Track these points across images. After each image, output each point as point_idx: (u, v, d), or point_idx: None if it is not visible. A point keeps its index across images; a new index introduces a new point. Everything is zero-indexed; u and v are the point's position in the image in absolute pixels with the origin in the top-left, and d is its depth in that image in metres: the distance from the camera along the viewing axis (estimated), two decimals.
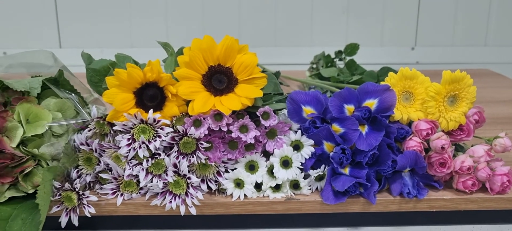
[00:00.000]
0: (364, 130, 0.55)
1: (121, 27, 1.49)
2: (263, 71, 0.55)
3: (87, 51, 0.66)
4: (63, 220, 0.53)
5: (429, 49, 1.55)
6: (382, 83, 0.58)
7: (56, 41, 1.49)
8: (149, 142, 0.52)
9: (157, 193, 0.54)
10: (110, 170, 0.55)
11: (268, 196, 0.56)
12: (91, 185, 0.56)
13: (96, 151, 0.55)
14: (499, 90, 1.09)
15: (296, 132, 0.56)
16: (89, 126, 0.55)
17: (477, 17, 1.54)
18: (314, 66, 1.17)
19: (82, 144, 0.55)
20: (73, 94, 0.57)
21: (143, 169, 0.53)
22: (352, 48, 1.06)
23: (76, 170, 0.55)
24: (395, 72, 0.91)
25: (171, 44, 0.63)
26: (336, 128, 0.55)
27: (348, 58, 1.05)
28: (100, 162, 0.55)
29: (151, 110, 0.53)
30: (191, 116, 0.53)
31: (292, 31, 1.53)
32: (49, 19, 1.48)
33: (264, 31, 1.52)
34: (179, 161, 0.53)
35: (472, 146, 0.59)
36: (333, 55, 1.08)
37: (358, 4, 1.51)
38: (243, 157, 0.55)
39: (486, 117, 0.62)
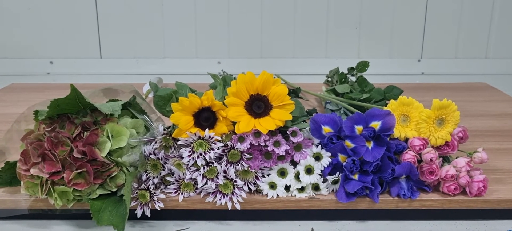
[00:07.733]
0: (370, 145, 0.70)
1: (155, 40, 1.62)
2: (290, 95, 0.70)
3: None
4: (138, 212, 0.68)
5: (434, 61, 1.65)
6: (385, 108, 0.73)
7: (97, 52, 1.64)
8: (205, 153, 0.68)
9: (210, 192, 0.69)
10: (173, 174, 0.71)
11: (295, 196, 0.70)
12: (157, 185, 0.72)
13: (161, 159, 0.71)
14: (492, 104, 1.19)
15: (317, 146, 0.71)
16: (156, 139, 0.71)
17: (478, 32, 1.64)
18: (329, 79, 1.32)
19: (150, 154, 0.71)
20: (144, 115, 0.73)
21: (200, 174, 0.68)
22: (363, 66, 1.19)
23: (145, 173, 0.71)
24: (399, 89, 1.06)
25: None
26: (348, 144, 0.70)
27: (359, 74, 1.20)
28: (164, 167, 0.71)
29: (206, 129, 0.68)
30: (237, 134, 0.68)
31: (309, 44, 1.65)
32: (91, 32, 1.62)
33: (283, 44, 1.64)
34: (228, 168, 0.68)
35: (456, 157, 0.72)
36: (346, 71, 1.23)
37: (369, 21, 1.62)
38: (276, 165, 0.70)
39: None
